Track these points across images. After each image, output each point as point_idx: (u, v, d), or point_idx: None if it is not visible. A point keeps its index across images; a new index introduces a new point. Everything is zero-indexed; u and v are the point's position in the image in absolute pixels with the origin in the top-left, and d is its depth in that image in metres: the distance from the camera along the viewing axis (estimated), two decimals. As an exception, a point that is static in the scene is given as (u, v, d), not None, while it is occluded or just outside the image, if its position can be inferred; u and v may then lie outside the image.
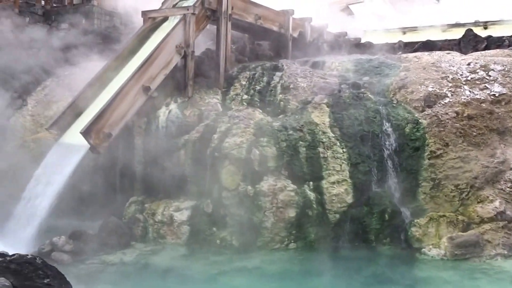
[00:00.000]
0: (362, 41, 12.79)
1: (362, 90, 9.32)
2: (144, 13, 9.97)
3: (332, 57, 10.99)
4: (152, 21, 9.89)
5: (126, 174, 9.10)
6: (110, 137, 8.12)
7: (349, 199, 8.04)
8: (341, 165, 8.19)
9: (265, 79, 9.76)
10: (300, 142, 8.30)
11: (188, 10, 9.41)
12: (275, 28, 11.40)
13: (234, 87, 9.76)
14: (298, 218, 7.84)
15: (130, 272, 6.91)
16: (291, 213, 7.81)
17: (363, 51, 11.90)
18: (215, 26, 10.12)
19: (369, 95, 9.16)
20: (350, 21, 15.04)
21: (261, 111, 9.12)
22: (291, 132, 8.42)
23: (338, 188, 8.06)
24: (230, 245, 7.77)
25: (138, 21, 10.49)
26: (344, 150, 8.30)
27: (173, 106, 9.16)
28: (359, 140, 8.43)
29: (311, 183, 8.10)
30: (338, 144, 8.34)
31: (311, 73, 9.91)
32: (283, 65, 10.10)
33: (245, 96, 9.47)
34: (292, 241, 7.83)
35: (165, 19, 9.87)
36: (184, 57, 9.36)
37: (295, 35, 11.92)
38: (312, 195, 7.99)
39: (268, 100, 9.40)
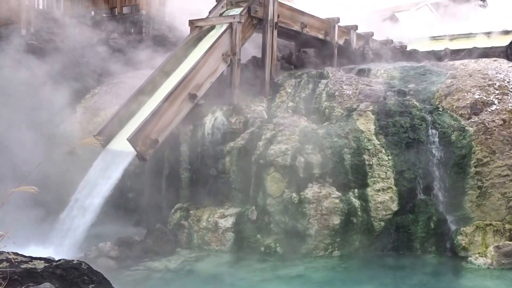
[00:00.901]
0: (408, 48, 12.88)
1: (408, 97, 9.44)
2: (191, 22, 10.44)
3: (377, 65, 11.16)
4: (199, 30, 10.35)
5: (172, 181, 9.39)
6: (157, 143, 8.42)
7: (394, 206, 8.17)
8: (386, 173, 8.34)
9: (310, 86, 10.03)
10: (345, 149, 8.49)
11: (234, 18, 9.80)
12: (320, 36, 11.65)
13: (279, 94, 10.07)
14: (342, 226, 8.01)
15: (175, 279, 7.10)
16: (336, 220, 8.00)
17: (409, 58, 12.02)
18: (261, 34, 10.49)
19: (415, 102, 9.26)
20: (396, 29, 15.10)
21: (306, 118, 9.38)
22: (336, 139, 8.63)
23: (383, 195, 8.20)
24: (274, 252, 7.98)
25: (186, 30, 10.97)
26: (389, 157, 8.43)
27: (218, 113, 9.51)
28: (404, 147, 8.55)
29: (356, 190, 8.27)
30: (383, 151, 8.48)
31: (356, 81, 10.10)
32: (328, 73, 10.33)
33: (291, 104, 9.76)
34: (336, 249, 8.00)
35: (212, 27, 10.31)
36: (230, 65, 9.72)
37: (341, 42, 12.14)
38: (356, 203, 8.16)
39: (313, 108, 9.64)
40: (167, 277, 7.17)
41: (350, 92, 9.71)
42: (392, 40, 13.16)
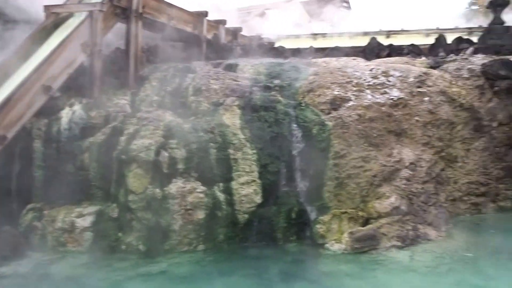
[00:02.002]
0: (276, 45, 13.48)
1: (273, 92, 9.89)
2: (46, 8, 9.82)
3: (245, 60, 11.52)
4: (56, 17, 9.77)
5: (23, 180, 8.84)
6: (5, 140, 7.94)
7: (258, 199, 8.48)
8: (250, 166, 8.63)
9: (177, 80, 10.02)
10: (211, 143, 8.63)
11: (95, 6, 9.43)
12: (188, 30, 11.70)
13: (144, 87, 9.92)
14: (207, 220, 8.13)
15: (26, 284, 6.81)
16: (200, 215, 8.09)
17: (276, 55, 12.58)
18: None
19: (279, 98, 9.72)
20: (265, 26, 15.71)
21: (171, 112, 9.34)
22: (201, 134, 8.74)
23: (247, 188, 8.47)
24: (136, 250, 7.86)
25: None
26: (253, 151, 8.73)
27: (77, 107, 9.10)
28: (268, 141, 8.93)
29: (221, 184, 8.44)
30: (248, 145, 8.77)
31: (223, 75, 10.33)
32: (195, 67, 10.42)
33: (156, 97, 9.67)
34: (201, 243, 8.09)
35: (70, 15, 9.80)
36: (91, 56, 9.35)
37: (209, 37, 12.29)
38: (221, 196, 8.33)
39: (180, 102, 9.66)
40: (17, 282, 6.82)
41: (217, 87, 9.89)
42: (260, 37, 13.67)
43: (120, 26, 10.58)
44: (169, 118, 9.05)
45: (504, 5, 13.38)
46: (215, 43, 12.24)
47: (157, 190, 8.04)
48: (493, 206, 10.36)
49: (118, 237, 8.01)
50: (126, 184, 8.14)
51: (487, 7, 13.73)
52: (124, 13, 9.99)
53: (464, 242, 8.31)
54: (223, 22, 12.63)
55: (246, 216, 8.37)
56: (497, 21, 13.23)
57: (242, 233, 8.34)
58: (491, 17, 13.51)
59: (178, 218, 7.98)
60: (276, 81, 10.31)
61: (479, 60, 11.25)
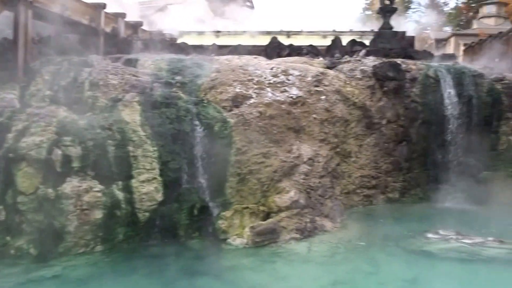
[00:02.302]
0: (178, 41, 13.37)
1: (174, 89, 9.81)
2: None
3: (146, 55, 11.31)
4: None
5: None
6: None
7: (159, 196, 8.37)
8: (151, 164, 8.49)
9: (72, 74, 9.56)
10: (109, 141, 8.36)
11: (-23, -7, 8.70)
12: (85, 22, 11.21)
13: (35, 81, 9.36)
14: (105, 220, 7.87)
15: None
16: (98, 214, 7.81)
17: (178, 51, 12.48)
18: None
19: (181, 94, 9.68)
20: (167, 21, 15.49)
21: (66, 108, 8.90)
22: (99, 130, 8.43)
23: (148, 186, 8.33)
24: (27, 255, 7.40)
25: None
26: (154, 148, 8.60)
27: (-42, 101, 8.35)
28: (170, 138, 8.84)
29: (120, 182, 8.21)
30: (149, 142, 8.62)
31: (122, 70, 10.04)
32: (92, 61, 10.01)
33: (48, 92, 9.14)
34: (99, 244, 7.82)
35: None
36: (-27, 45, 8.62)
37: (108, 30, 11.87)
38: (120, 195, 8.11)
39: (75, 97, 9.23)
40: None
41: (116, 82, 9.59)
42: (162, 32, 13.48)
43: (9, 15, 9.86)
44: (63, 114, 8.61)
45: (393, 11, 14.48)
46: (114, 37, 11.84)
47: (50, 190, 7.62)
48: (383, 198, 11.22)
49: (6, 241, 7.46)
50: (15, 184, 7.62)
51: (378, 13, 14.76)
52: (11, 1, 9.31)
53: (357, 232, 8.88)
54: (122, 15, 12.26)
55: (147, 214, 8.23)
56: (386, 26, 14.28)
57: (143, 231, 8.18)
58: (381, 22, 14.53)
59: (73, 219, 7.62)
60: (178, 78, 10.25)
61: (371, 62, 12.07)
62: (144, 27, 13.03)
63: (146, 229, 8.21)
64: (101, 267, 7.30)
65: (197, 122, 9.25)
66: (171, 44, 12.71)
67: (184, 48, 12.43)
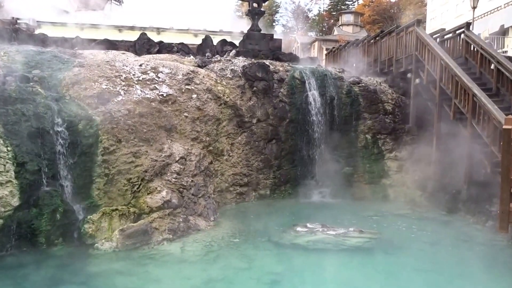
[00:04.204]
0: (36, 32, 12.41)
1: (32, 83, 9.09)
2: None
3: (-3, 46, 10.31)
4: None
5: None
6: None
7: (15, 201, 7.71)
8: (5, 165, 7.77)
9: None
10: (-48, 140, 7.50)
11: None
12: None
13: None
14: None
15: None
16: None
17: (37, 43, 11.60)
18: None
19: (40, 90, 9.00)
20: (24, 9, 14.32)
21: None
22: None
23: (2, 190, 7.61)
24: None
25: None
26: (9, 148, 7.90)
27: None
28: (27, 137, 8.19)
29: (-33, 187, 7.41)
30: (2, 142, 7.89)
31: (-31, 62, 9.05)
32: None
33: None
34: None
35: None
36: None
37: None
38: (-31, 201, 7.31)
39: None
40: None
41: (-39, 74, 8.62)
42: (16, 20, 12.41)
43: None
44: None
45: (261, 14, 15.10)
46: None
47: None
48: (255, 195, 11.68)
49: None
50: None
51: (246, 14, 15.26)
52: None
53: (231, 229, 9.11)
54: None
55: (1, 221, 7.52)
56: (255, 28, 14.84)
57: (-4, 240, 7.47)
58: (250, 24, 15.05)
59: None
60: (36, 71, 9.51)
61: (240, 62, 12.45)
62: (-4, 14, 11.89)
63: (1, 238, 7.49)
64: None
65: (58, 120, 8.69)
66: (29, 35, 11.76)
67: (43, 40, 11.57)
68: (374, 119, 12.84)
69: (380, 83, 13.56)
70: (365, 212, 10.72)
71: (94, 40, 12.55)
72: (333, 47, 22.89)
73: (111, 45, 12.26)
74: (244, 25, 15.86)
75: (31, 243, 7.72)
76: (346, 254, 7.90)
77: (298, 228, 8.67)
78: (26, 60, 9.77)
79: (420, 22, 13.29)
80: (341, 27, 41.27)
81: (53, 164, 8.32)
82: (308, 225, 8.78)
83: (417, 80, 12.37)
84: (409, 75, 12.83)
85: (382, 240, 8.44)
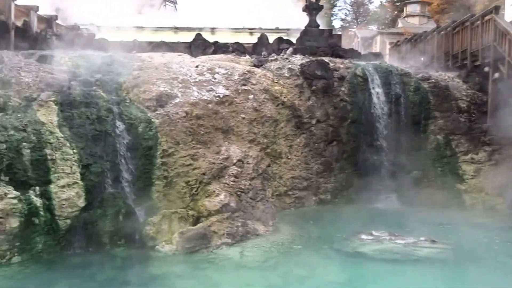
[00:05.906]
0: (97, 37, 13.30)
1: (94, 87, 9.84)
2: None
3: (62, 52, 11.19)
4: None
5: None
6: None
7: (81, 202, 8.40)
8: (71, 167, 8.49)
9: (-21, 72, 9.31)
10: (24, 143, 8.27)
11: None
12: (-8, 15, 10.90)
13: None
14: (22, 228, 7.80)
15: None
16: (14, 223, 7.72)
17: (97, 47, 12.45)
18: None
19: (101, 93, 9.73)
20: (85, 15, 15.32)
21: (-28, 109, 8.68)
22: (12, 132, 8.30)
23: (68, 191, 8.33)
24: None
25: None
26: (74, 151, 8.61)
27: None
28: (91, 140, 8.89)
29: (37, 188, 8.15)
30: (68, 144, 8.61)
31: (37, 68, 9.94)
32: (3, 57, 9.81)
33: (-49, 91, 8.84)
34: (16, 254, 7.73)
35: None
36: None
37: (19, 24, 11.62)
38: (38, 202, 8.05)
39: (-17, 97, 8.99)
40: None
41: (30, 80, 9.49)
42: (79, 26, 13.35)
43: None
44: (-30, 115, 8.40)
45: (319, 9, 15.31)
46: (26, 31, 11.59)
47: (-46, 199, 7.44)
48: (315, 199, 11.82)
49: None
50: None
51: (303, 10, 15.52)
52: None
53: (290, 235, 9.30)
54: (34, 8, 12.01)
55: (68, 221, 8.23)
56: (313, 24, 15.07)
57: (64, 240, 8.18)
58: (307, 20, 15.30)
59: (-14, 228, 7.49)
60: (98, 75, 10.27)
61: (298, 60, 12.72)
62: (59, 21, 12.84)
63: (68, 238, 8.21)
64: (20, 280, 7.22)
65: (119, 123, 9.36)
66: (90, 40, 12.65)
67: (103, 44, 12.41)
68: (446, 118, 12.52)
69: (452, 78, 13.18)
70: (437, 220, 10.36)
71: (151, 43, 13.26)
72: (398, 41, 22.64)
73: (167, 47, 12.92)
74: (301, 21, 16.10)
75: (96, 243, 8.36)
76: (416, 265, 7.67)
77: (363, 236, 8.64)
78: (89, 65, 10.57)
79: (499, 9, 12.72)
80: (406, 18, 40.49)
81: (115, 166, 8.98)
82: (374, 232, 8.71)
83: (496, 75, 11.86)
84: (486, 69, 12.37)
85: (458, 251, 8.11)
